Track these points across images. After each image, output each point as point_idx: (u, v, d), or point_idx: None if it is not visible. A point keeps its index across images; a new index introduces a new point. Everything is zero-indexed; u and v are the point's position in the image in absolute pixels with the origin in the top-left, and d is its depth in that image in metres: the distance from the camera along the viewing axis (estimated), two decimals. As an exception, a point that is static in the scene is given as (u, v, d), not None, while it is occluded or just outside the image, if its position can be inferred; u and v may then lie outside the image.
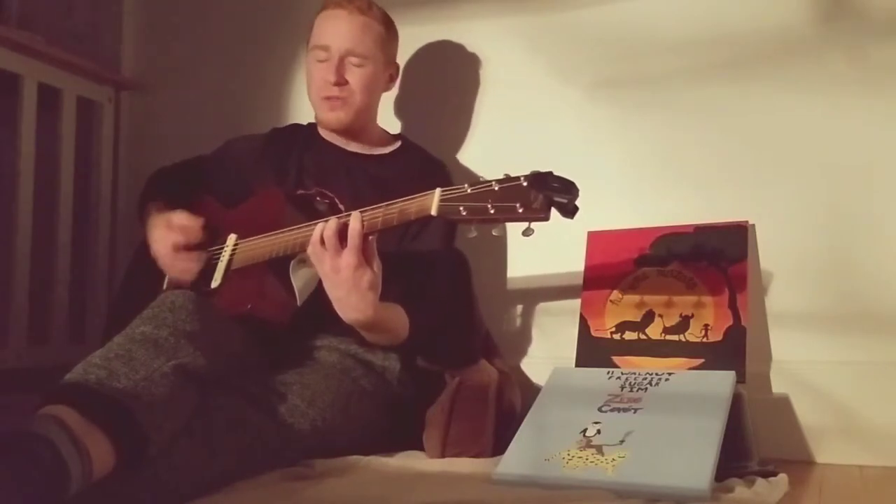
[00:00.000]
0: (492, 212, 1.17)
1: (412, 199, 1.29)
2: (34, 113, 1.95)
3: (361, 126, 1.75)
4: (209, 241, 1.61)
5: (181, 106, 2.24)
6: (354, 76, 1.68)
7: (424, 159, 1.78)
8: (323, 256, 1.34)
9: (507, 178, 1.18)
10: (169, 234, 1.58)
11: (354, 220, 1.33)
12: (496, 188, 1.18)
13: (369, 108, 1.76)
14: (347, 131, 1.74)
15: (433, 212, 1.24)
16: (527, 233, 1.17)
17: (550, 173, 1.16)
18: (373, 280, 1.35)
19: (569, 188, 1.16)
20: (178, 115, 2.24)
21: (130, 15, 2.29)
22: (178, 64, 2.27)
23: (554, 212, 1.16)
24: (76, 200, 2.07)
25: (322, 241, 1.34)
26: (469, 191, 1.21)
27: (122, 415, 1.08)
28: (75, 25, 2.25)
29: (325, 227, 1.34)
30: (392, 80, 1.82)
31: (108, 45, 2.26)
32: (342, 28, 1.68)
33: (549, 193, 1.14)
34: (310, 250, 1.36)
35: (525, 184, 1.16)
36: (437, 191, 1.25)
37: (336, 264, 1.33)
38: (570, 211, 1.17)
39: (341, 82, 1.67)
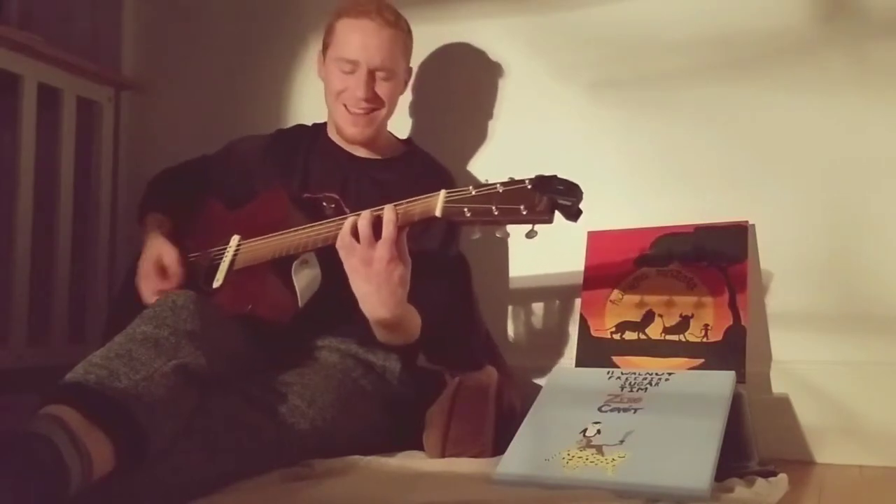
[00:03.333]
0: (496, 214, 1.17)
1: (417, 200, 1.29)
2: (34, 113, 1.94)
3: (377, 134, 1.75)
4: (213, 242, 1.61)
5: (181, 106, 2.24)
6: (382, 90, 1.66)
7: (429, 165, 1.77)
8: (353, 248, 1.32)
9: (512, 181, 1.18)
10: (155, 277, 1.57)
11: (389, 212, 1.31)
12: (500, 190, 1.18)
13: (389, 117, 1.75)
14: (364, 142, 1.73)
15: (438, 213, 1.24)
16: (530, 235, 1.17)
17: (555, 176, 1.17)
18: (404, 275, 1.33)
19: (573, 191, 1.16)
20: (178, 115, 2.24)
21: (130, 15, 2.28)
22: (178, 64, 2.27)
23: (557, 215, 1.16)
24: (76, 200, 2.07)
25: (353, 234, 1.32)
26: (473, 193, 1.21)
27: (123, 415, 1.08)
28: (75, 25, 2.25)
29: (359, 218, 1.32)
30: (407, 82, 1.81)
31: (108, 45, 2.26)
32: (372, 42, 1.63)
33: (553, 196, 1.14)
34: (339, 242, 1.34)
35: (529, 186, 1.16)
36: (442, 192, 1.25)
37: (368, 257, 1.31)
38: (573, 214, 1.17)
39: (372, 98, 1.65)
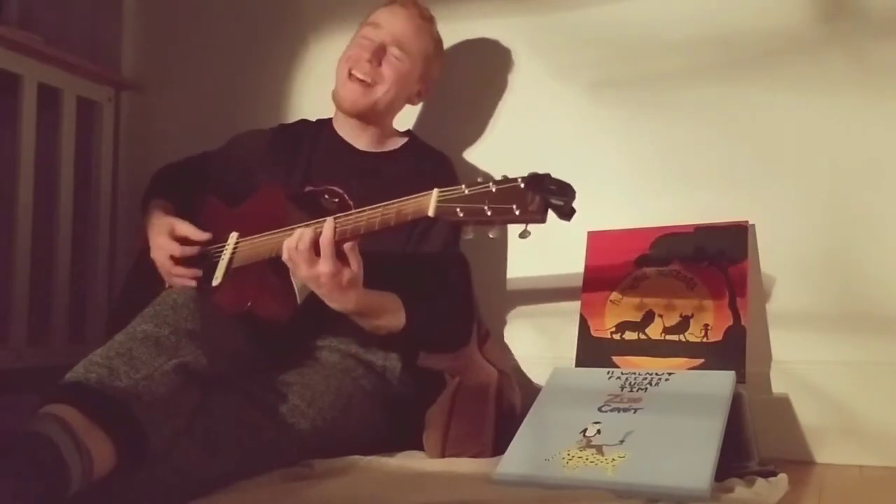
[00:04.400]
0: (488, 213, 1.17)
1: (409, 199, 1.29)
2: (34, 113, 1.95)
3: (373, 122, 1.75)
4: (213, 240, 1.61)
5: (181, 106, 2.24)
6: (390, 67, 1.70)
7: (431, 155, 1.78)
8: (298, 265, 1.37)
9: (505, 180, 1.18)
10: (170, 243, 1.58)
11: (327, 230, 1.35)
12: (493, 189, 1.18)
13: (388, 108, 1.75)
14: (358, 117, 1.74)
15: (430, 213, 1.24)
16: (523, 235, 1.17)
17: (548, 175, 1.16)
18: (352, 278, 1.38)
19: (565, 190, 1.16)
20: (178, 115, 2.24)
21: (130, 15, 2.29)
22: (178, 64, 2.27)
23: (551, 214, 1.16)
24: (76, 200, 2.07)
25: (296, 250, 1.37)
26: (466, 192, 1.21)
27: (123, 414, 1.08)
28: (75, 25, 2.25)
29: (299, 240, 1.36)
30: (420, 95, 1.82)
31: (108, 45, 2.26)
32: (399, 19, 1.72)
33: (545, 195, 1.14)
34: (285, 258, 1.39)
35: (522, 185, 1.15)
36: (435, 191, 1.25)
37: (313, 272, 1.37)
38: (566, 213, 1.17)
39: (374, 63, 1.69)
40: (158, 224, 1.62)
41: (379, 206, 1.33)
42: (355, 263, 1.38)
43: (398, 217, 1.30)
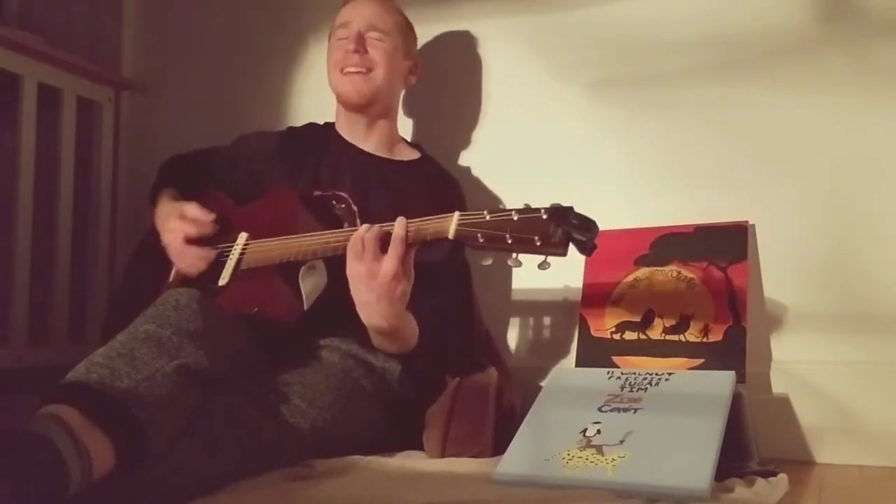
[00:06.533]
0: (509, 242, 1.17)
1: (430, 220, 1.30)
2: (34, 113, 1.95)
3: (381, 112, 1.76)
4: (220, 237, 1.60)
5: (181, 106, 2.24)
6: (376, 49, 1.73)
7: (440, 175, 1.77)
8: (361, 257, 1.34)
9: (527, 209, 1.17)
10: (181, 224, 1.58)
11: (399, 227, 1.32)
12: (515, 218, 1.17)
13: (390, 91, 1.77)
14: (366, 108, 1.74)
15: (450, 235, 1.25)
16: (543, 266, 1.17)
17: (571, 209, 1.16)
18: (406, 291, 1.35)
19: (589, 226, 1.16)
20: (178, 115, 2.24)
21: (130, 15, 2.29)
22: (178, 64, 2.27)
23: (571, 248, 1.16)
24: (76, 200, 2.07)
25: (363, 242, 1.34)
26: (488, 218, 1.20)
27: (123, 414, 1.08)
28: (75, 25, 2.25)
29: (369, 230, 1.34)
30: (412, 73, 1.85)
31: (108, 45, 2.26)
32: (363, 8, 1.77)
33: (568, 229, 1.14)
34: (350, 246, 1.35)
35: (545, 217, 1.15)
36: (456, 214, 1.25)
37: (373, 269, 1.33)
38: (588, 249, 1.17)
39: (361, 50, 1.72)
40: (168, 209, 1.63)
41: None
42: (410, 277, 1.36)
43: (417, 235, 1.31)
